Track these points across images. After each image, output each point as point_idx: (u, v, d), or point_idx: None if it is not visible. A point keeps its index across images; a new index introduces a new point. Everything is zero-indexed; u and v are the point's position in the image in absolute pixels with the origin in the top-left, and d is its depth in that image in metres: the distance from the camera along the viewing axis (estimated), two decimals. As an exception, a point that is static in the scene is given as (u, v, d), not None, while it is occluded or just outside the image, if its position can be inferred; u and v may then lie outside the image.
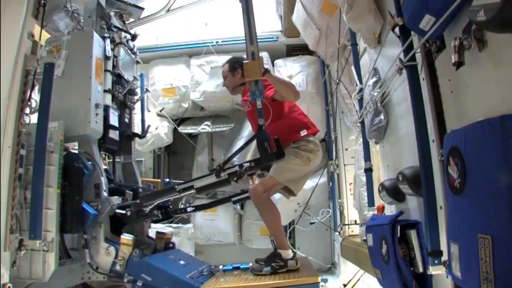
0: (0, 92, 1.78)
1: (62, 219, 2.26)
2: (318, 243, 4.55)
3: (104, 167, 2.89)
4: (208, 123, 4.79)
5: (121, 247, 2.53)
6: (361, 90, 2.60)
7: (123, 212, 2.65)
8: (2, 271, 1.76)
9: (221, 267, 2.89)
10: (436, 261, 1.46)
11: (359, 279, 3.02)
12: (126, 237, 2.57)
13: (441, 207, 1.47)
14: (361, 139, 2.72)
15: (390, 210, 2.20)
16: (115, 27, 3.19)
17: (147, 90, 3.72)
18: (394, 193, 1.96)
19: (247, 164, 2.46)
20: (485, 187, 1.04)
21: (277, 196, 3.18)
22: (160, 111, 4.69)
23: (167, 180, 4.18)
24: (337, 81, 3.39)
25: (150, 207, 2.73)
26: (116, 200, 2.70)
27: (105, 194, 2.65)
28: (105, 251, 2.55)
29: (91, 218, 2.44)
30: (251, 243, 4.64)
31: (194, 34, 4.77)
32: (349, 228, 3.66)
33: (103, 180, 2.68)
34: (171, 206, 2.99)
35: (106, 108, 2.86)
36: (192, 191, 2.61)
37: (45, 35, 2.66)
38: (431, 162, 1.51)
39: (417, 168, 1.59)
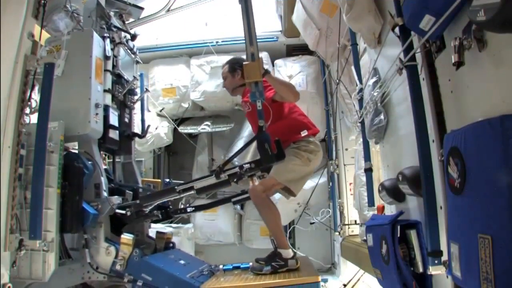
0: (0, 92, 1.78)
1: (62, 219, 2.26)
2: (318, 243, 4.55)
3: (104, 167, 2.88)
4: (208, 123, 4.79)
5: (121, 247, 2.53)
6: (361, 90, 2.60)
7: (123, 212, 2.64)
8: (2, 271, 1.76)
9: (221, 266, 2.88)
10: (436, 261, 1.46)
11: (359, 279, 3.02)
12: (126, 237, 2.56)
13: (441, 207, 1.47)
14: (361, 139, 2.72)
15: (390, 210, 2.20)
16: (115, 27, 3.19)
17: (147, 90, 3.71)
18: (394, 193, 1.96)
19: (247, 165, 2.45)
20: (485, 187, 1.04)
21: (277, 196, 3.18)
22: (160, 111, 4.69)
23: (167, 180, 4.19)
24: (337, 81, 3.39)
25: (150, 207, 2.73)
26: (116, 200, 2.69)
27: (105, 194, 2.65)
28: (105, 251, 2.54)
29: (91, 218, 2.44)
30: (251, 243, 4.64)
31: (194, 34, 4.77)
32: (349, 228, 3.66)
33: (103, 180, 2.68)
34: (171, 206, 2.99)
35: (106, 108, 2.86)
36: (192, 192, 2.60)
37: (45, 35, 2.66)
38: (431, 162, 1.51)
39: (417, 168, 1.59)
